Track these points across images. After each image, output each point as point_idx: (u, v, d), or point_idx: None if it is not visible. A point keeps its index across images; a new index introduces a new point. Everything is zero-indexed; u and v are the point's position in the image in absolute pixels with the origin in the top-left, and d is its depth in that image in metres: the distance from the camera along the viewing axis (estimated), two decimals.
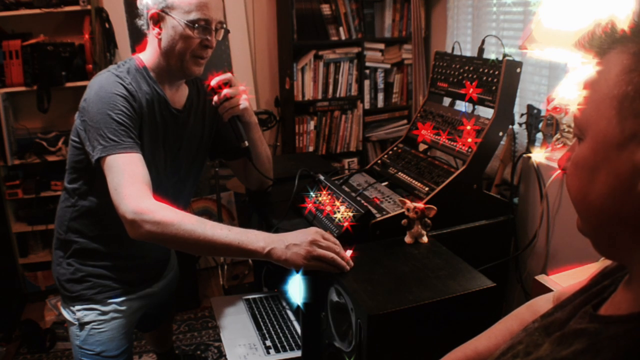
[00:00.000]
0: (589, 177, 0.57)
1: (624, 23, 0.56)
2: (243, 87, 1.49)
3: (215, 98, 1.45)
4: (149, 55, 1.40)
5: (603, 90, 0.56)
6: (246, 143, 1.48)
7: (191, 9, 1.30)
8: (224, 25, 1.39)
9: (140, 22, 1.38)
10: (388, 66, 3.23)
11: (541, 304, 0.90)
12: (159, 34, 1.34)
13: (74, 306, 1.47)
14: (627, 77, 0.53)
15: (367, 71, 3.19)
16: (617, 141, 0.54)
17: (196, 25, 1.30)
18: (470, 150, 1.60)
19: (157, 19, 1.33)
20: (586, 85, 0.59)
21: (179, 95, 1.47)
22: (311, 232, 1.21)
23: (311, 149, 3.21)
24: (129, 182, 1.22)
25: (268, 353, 1.48)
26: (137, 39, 2.81)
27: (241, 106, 1.46)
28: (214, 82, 1.43)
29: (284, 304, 1.72)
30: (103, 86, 1.29)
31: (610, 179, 0.55)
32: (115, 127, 1.26)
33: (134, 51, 2.83)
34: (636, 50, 0.54)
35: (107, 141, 1.25)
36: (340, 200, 1.49)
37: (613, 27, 0.57)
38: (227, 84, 1.44)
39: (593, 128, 0.57)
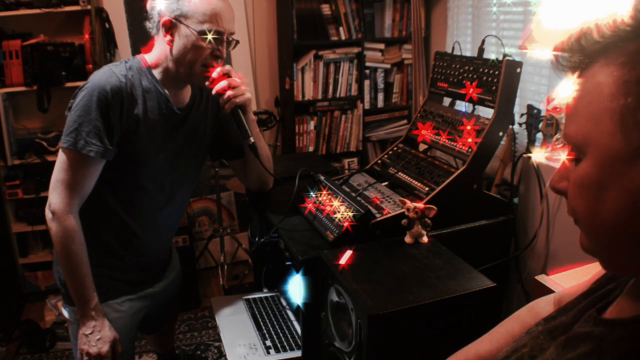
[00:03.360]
0: (596, 196, 0.55)
1: (596, 33, 0.54)
2: (239, 78, 1.47)
3: (218, 86, 1.41)
4: (155, 58, 1.40)
5: (599, 105, 0.53)
6: (252, 139, 1.46)
7: (205, 20, 1.31)
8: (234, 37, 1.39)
9: (149, 25, 1.39)
10: (388, 66, 3.23)
11: (542, 306, 0.90)
12: (171, 41, 1.34)
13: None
14: (624, 88, 0.51)
15: (367, 71, 3.18)
16: (625, 155, 0.52)
17: (209, 36, 1.31)
18: (470, 150, 1.60)
19: (170, 27, 1.33)
20: (575, 102, 0.56)
21: (183, 94, 1.47)
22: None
23: (311, 149, 3.21)
24: (71, 185, 1.34)
25: (268, 353, 1.48)
26: (137, 39, 2.81)
27: (246, 95, 1.45)
28: (215, 74, 1.41)
29: (284, 304, 1.72)
30: (96, 82, 1.30)
31: (623, 195, 0.52)
32: (92, 128, 1.28)
33: (134, 51, 2.84)
34: (623, 60, 0.52)
35: (75, 136, 1.29)
36: (340, 200, 1.49)
37: (587, 38, 0.55)
38: (226, 75, 1.44)
39: (595, 145, 0.54)
